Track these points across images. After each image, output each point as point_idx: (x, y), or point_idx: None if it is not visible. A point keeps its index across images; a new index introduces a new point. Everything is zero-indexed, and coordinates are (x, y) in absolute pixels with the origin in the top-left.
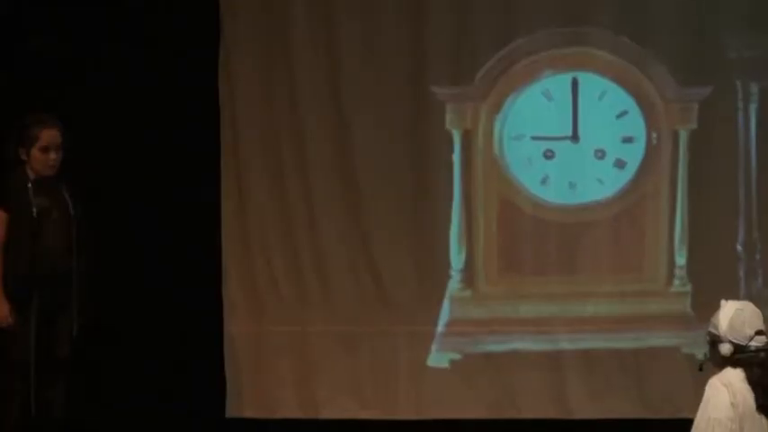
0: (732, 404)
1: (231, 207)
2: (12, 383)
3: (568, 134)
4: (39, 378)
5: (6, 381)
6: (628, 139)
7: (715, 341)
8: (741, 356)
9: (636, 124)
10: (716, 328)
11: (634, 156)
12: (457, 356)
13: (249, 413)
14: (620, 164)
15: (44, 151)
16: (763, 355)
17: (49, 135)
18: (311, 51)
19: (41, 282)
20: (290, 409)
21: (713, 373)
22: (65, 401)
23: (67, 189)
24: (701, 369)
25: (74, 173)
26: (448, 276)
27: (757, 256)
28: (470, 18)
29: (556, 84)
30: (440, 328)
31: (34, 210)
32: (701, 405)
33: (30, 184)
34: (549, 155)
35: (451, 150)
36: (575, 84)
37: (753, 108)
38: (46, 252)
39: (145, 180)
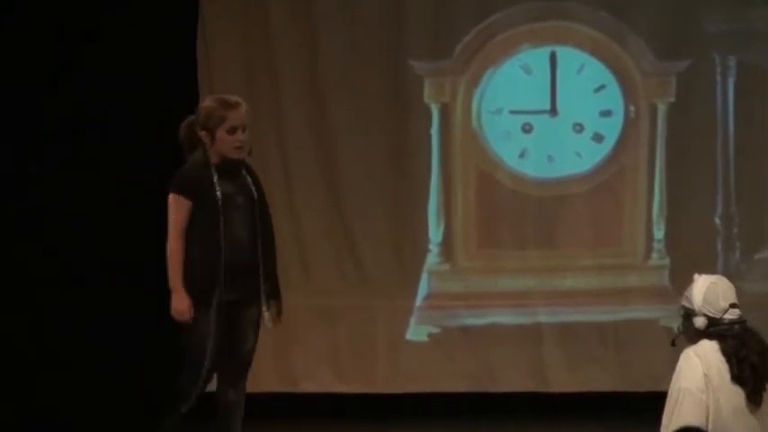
0: (705, 375)
1: None
2: (191, 384)
3: (547, 108)
4: (221, 378)
5: (185, 381)
6: (606, 113)
7: (689, 314)
8: (715, 329)
9: (614, 98)
10: (690, 301)
11: (612, 129)
12: (435, 330)
13: None
14: (598, 137)
15: (232, 132)
16: (737, 327)
17: (237, 115)
18: (289, 25)
19: (229, 274)
20: (269, 383)
21: (687, 346)
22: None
23: (248, 172)
24: (673, 344)
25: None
26: (426, 250)
27: (735, 230)
28: None
29: (534, 57)
30: (418, 301)
31: (219, 196)
32: (674, 374)
33: (213, 169)
34: (527, 128)
35: (430, 124)
36: (553, 57)
37: (731, 82)
38: (233, 242)
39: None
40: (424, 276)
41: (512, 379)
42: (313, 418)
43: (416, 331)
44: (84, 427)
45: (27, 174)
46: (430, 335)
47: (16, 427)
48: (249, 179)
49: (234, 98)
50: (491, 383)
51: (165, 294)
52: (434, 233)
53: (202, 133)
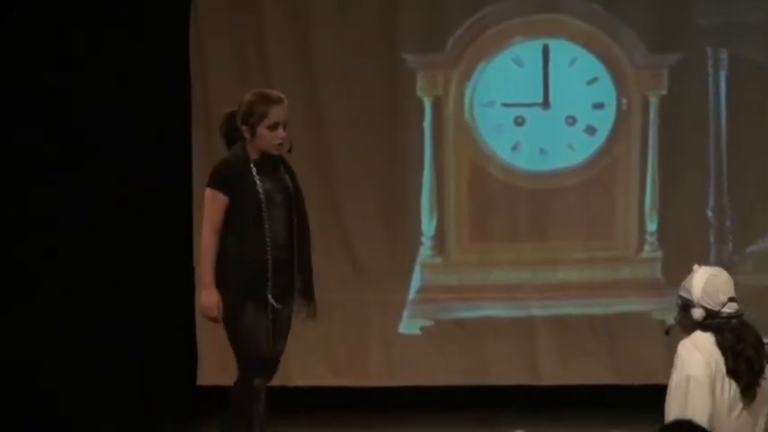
0: (707, 363)
1: (203, 174)
2: (258, 382)
3: (539, 101)
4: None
5: (250, 380)
6: (598, 106)
7: (687, 305)
8: (712, 322)
9: (606, 90)
10: (688, 292)
11: (604, 122)
12: (428, 323)
13: (221, 381)
14: (590, 130)
15: (273, 129)
16: (734, 321)
17: (279, 111)
18: (283, 20)
19: (267, 271)
20: None
21: (681, 337)
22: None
23: (286, 168)
24: (667, 333)
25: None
26: (419, 243)
27: (727, 222)
28: None
29: (526, 50)
30: (411, 295)
31: (261, 193)
32: (677, 366)
33: (252, 165)
34: (519, 121)
35: (422, 118)
36: (545, 50)
37: (722, 74)
38: (272, 240)
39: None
40: (417, 269)
41: (505, 372)
42: (307, 412)
43: (409, 324)
44: (84, 427)
45: (27, 174)
46: (423, 328)
47: (16, 427)
48: (286, 176)
49: (275, 93)
50: (484, 376)
51: (165, 294)
52: (427, 226)
53: (243, 128)
